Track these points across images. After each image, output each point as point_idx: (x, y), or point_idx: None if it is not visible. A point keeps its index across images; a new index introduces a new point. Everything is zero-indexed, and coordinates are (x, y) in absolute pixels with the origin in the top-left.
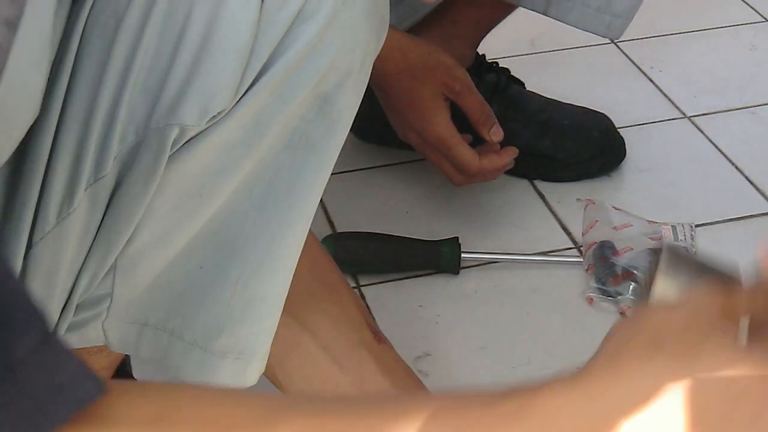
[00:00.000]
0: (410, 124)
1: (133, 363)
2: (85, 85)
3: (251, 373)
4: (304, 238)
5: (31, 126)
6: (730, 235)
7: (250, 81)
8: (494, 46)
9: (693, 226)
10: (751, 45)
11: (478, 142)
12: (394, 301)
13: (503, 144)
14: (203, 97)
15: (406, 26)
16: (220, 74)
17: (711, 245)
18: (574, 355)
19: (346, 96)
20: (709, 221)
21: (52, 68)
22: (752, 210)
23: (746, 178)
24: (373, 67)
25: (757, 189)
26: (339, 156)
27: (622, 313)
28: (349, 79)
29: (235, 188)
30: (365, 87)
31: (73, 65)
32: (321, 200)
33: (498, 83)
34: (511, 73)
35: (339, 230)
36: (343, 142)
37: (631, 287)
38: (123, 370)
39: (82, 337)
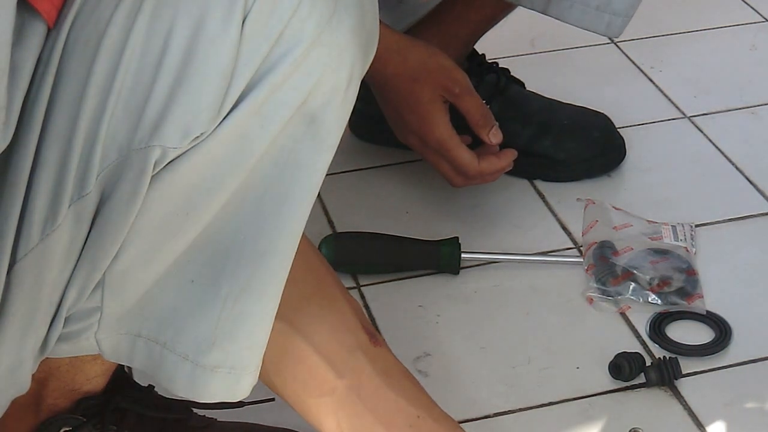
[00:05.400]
0: (409, 126)
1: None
2: (66, 102)
3: (243, 387)
4: (294, 254)
5: (12, 142)
6: (730, 235)
7: (233, 101)
8: (494, 46)
9: (693, 226)
10: (751, 45)
11: (477, 143)
12: (394, 301)
13: (503, 144)
14: (184, 119)
15: (404, 27)
16: (201, 95)
17: (711, 245)
18: (574, 355)
19: (334, 114)
20: (709, 221)
21: (31, 85)
22: (752, 210)
23: (746, 178)
24: (373, 68)
25: (757, 189)
26: (338, 155)
27: (622, 314)
28: (337, 97)
29: (222, 206)
30: (353, 105)
31: (54, 82)
32: (321, 200)
33: (498, 83)
34: (511, 73)
35: (339, 230)
36: (331, 160)
37: (631, 287)
38: (122, 371)
39: (76, 347)
